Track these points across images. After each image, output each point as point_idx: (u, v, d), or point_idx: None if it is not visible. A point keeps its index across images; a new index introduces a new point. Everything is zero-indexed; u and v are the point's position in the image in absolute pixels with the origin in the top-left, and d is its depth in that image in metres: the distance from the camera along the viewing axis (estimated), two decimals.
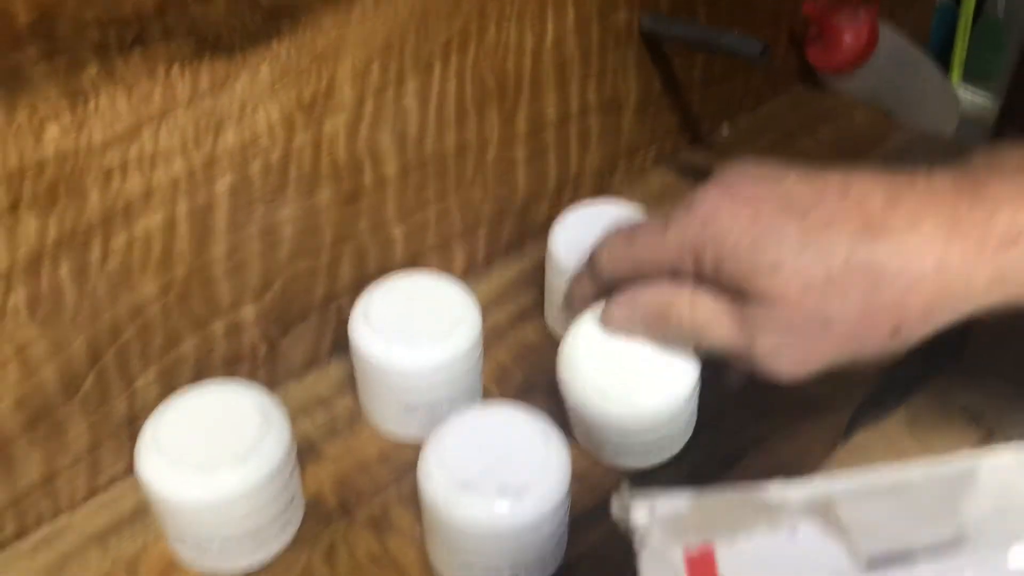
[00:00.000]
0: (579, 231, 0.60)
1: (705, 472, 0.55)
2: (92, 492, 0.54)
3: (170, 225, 0.50)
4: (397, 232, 0.62)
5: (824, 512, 0.36)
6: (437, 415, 0.52)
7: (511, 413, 0.50)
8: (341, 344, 0.63)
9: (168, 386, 0.54)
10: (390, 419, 0.57)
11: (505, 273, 0.69)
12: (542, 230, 0.64)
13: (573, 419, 0.55)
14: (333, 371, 0.62)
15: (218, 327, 0.56)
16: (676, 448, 0.55)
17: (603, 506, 0.38)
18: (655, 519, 0.36)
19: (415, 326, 0.55)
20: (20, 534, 0.52)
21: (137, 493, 0.55)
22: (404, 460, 0.57)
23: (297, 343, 0.61)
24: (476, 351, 0.56)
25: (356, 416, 0.59)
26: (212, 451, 0.48)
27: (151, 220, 0.49)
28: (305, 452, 0.56)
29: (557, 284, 0.60)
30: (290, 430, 0.51)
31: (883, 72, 0.83)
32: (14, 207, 0.45)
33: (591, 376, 0.52)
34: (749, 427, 0.58)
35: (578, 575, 0.51)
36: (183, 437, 0.49)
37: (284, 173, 0.54)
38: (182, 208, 0.50)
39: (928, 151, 0.78)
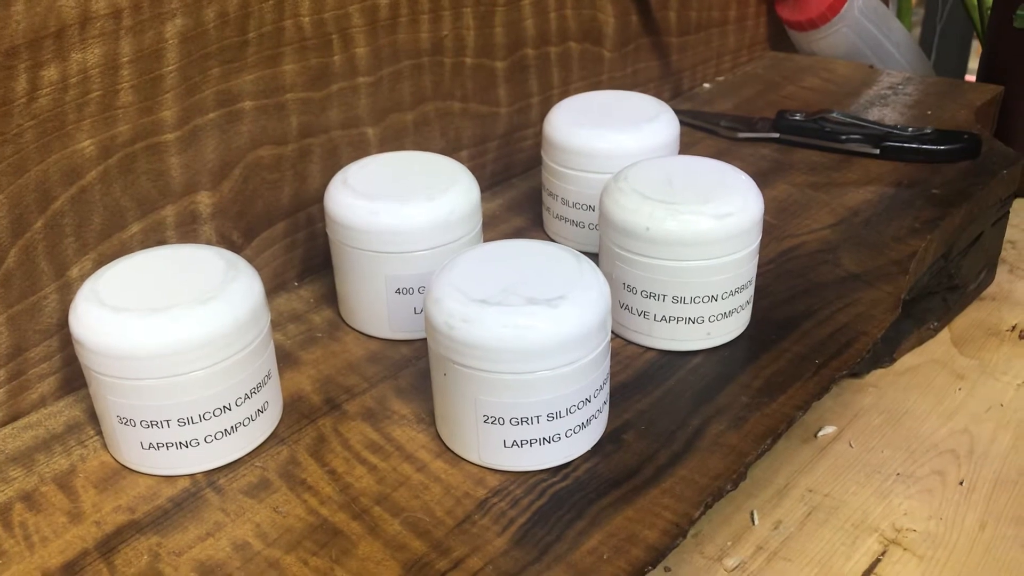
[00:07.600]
0: (576, 114, 0.54)
1: None
2: (14, 415, 0.44)
3: (112, 66, 0.43)
4: (371, 132, 0.55)
5: None
6: None
7: (531, 243, 0.42)
8: (313, 265, 0.54)
9: None
10: (378, 313, 0.48)
11: (493, 200, 0.62)
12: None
13: None
14: (306, 292, 0.53)
15: (168, 213, 0.47)
16: None
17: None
18: None
19: (404, 186, 0.47)
20: None
21: (72, 410, 0.44)
22: (399, 357, 0.47)
23: (263, 254, 0.52)
24: (476, 217, 0.48)
25: (337, 325, 0.50)
26: (166, 296, 0.39)
27: (89, 55, 0.42)
28: (279, 360, 0.46)
29: (555, 182, 0.54)
30: (261, 283, 0.41)
31: (857, 25, 0.80)
32: None
33: None
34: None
35: (626, 441, 0.41)
36: (131, 287, 0.39)
37: (243, 29, 0.47)
38: (126, 47, 0.43)
39: (920, 90, 0.75)
